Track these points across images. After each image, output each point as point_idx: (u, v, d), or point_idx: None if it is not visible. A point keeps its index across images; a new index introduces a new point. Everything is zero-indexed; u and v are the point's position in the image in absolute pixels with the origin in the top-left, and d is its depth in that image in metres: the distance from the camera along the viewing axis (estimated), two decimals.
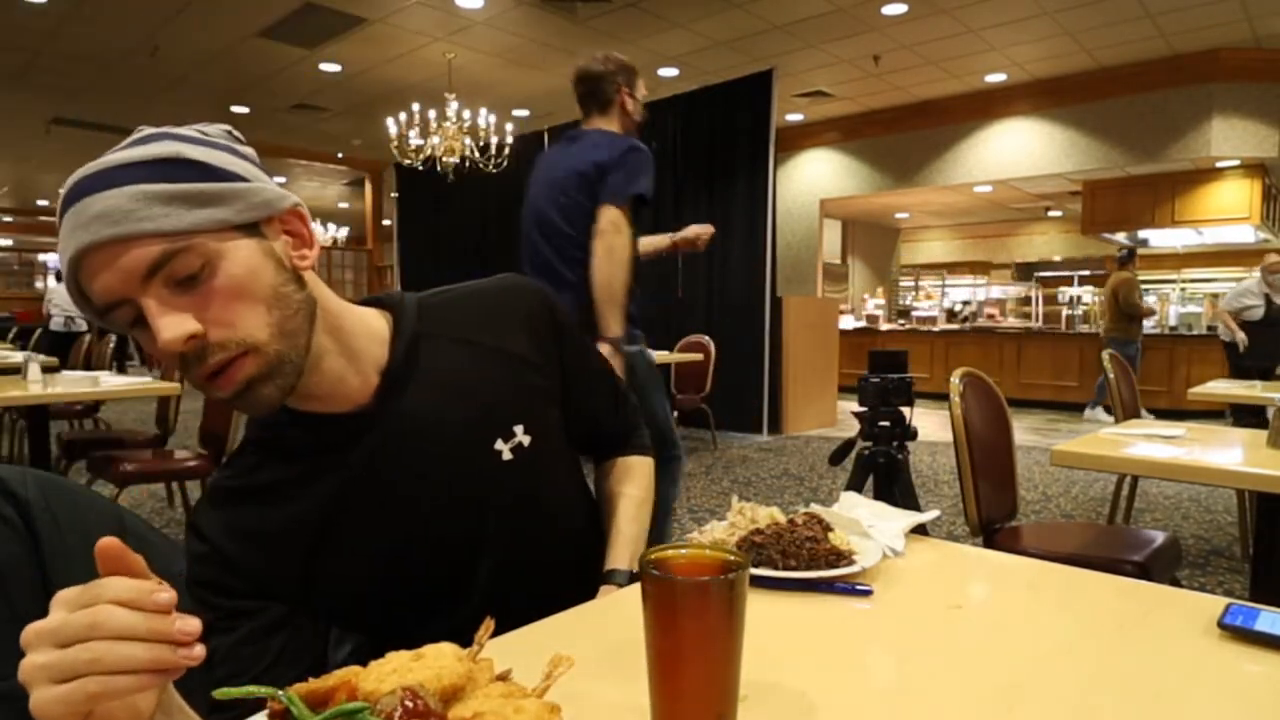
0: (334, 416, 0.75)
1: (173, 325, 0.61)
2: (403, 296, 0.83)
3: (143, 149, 0.64)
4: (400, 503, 0.77)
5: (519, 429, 0.83)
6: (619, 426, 1.04)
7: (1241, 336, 5.81)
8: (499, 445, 0.81)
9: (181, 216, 0.61)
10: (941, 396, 2.43)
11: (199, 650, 0.44)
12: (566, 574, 0.91)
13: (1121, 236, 9.93)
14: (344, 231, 17.28)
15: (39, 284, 13.36)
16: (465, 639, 0.54)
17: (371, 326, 0.78)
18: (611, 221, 2.16)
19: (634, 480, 1.02)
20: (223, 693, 0.44)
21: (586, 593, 0.89)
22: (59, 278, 9.80)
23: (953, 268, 14.24)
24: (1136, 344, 6.84)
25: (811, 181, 9.98)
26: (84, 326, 8.95)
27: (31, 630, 0.42)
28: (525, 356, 0.86)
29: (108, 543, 0.43)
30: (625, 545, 0.95)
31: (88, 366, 4.80)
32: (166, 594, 0.43)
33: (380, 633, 0.79)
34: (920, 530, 1.11)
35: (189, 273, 0.62)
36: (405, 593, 0.79)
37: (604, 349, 2.15)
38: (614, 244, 2.16)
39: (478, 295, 0.87)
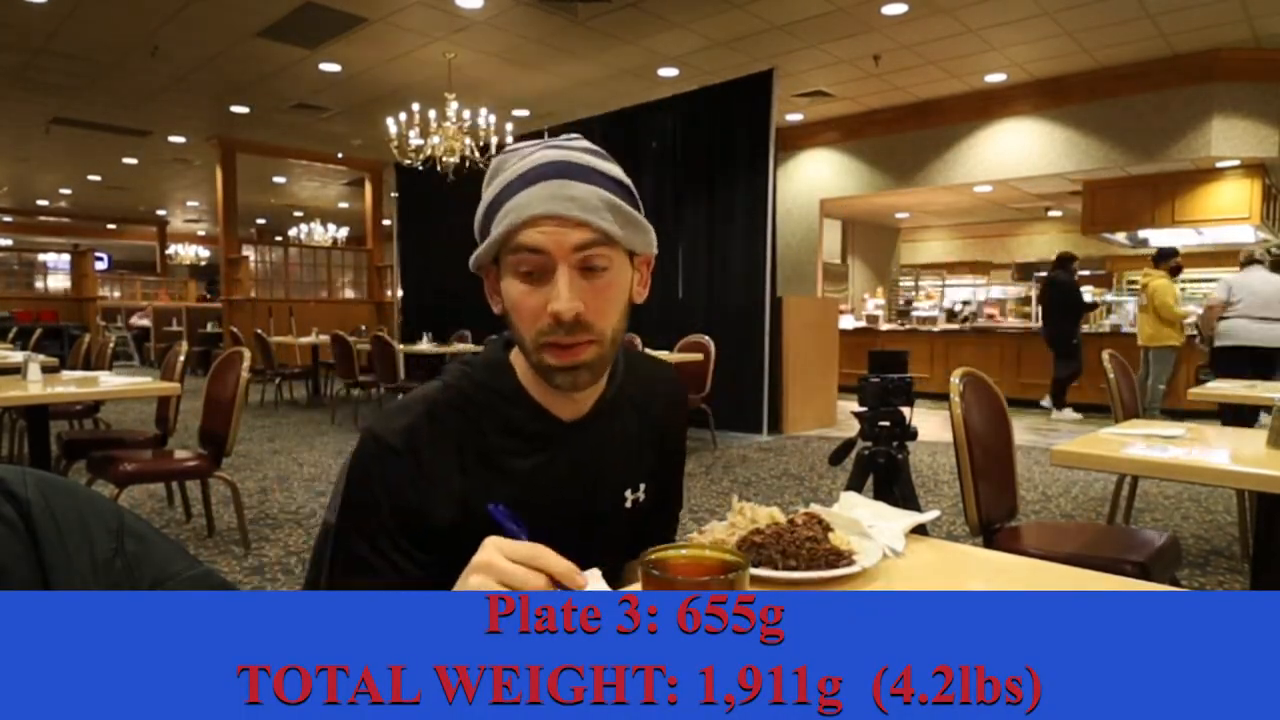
0: (554, 417, 0.91)
1: (571, 298, 0.79)
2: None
3: (607, 165, 0.84)
4: (562, 500, 0.91)
5: (642, 487, 1.00)
6: (671, 521, 1.14)
7: None
8: (628, 494, 0.98)
9: (615, 228, 0.80)
10: (941, 396, 2.43)
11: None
12: None
13: (1121, 237, 9.92)
14: (344, 232, 17.27)
15: (39, 284, 13.33)
16: None
17: None
18: None
19: None
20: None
21: None
22: None
23: (953, 268, 14.24)
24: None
25: (811, 181, 9.97)
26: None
27: (501, 550, 0.63)
28: (665, 433, 1.04)
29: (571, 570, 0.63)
30: None
31: (88, 366, 4.80)
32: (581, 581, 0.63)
33: None
34: (920, 530, 1.11)
35: (599, 265, 0.80)
36: None
37: None
38: None
39: (650, 368, 1.06)
